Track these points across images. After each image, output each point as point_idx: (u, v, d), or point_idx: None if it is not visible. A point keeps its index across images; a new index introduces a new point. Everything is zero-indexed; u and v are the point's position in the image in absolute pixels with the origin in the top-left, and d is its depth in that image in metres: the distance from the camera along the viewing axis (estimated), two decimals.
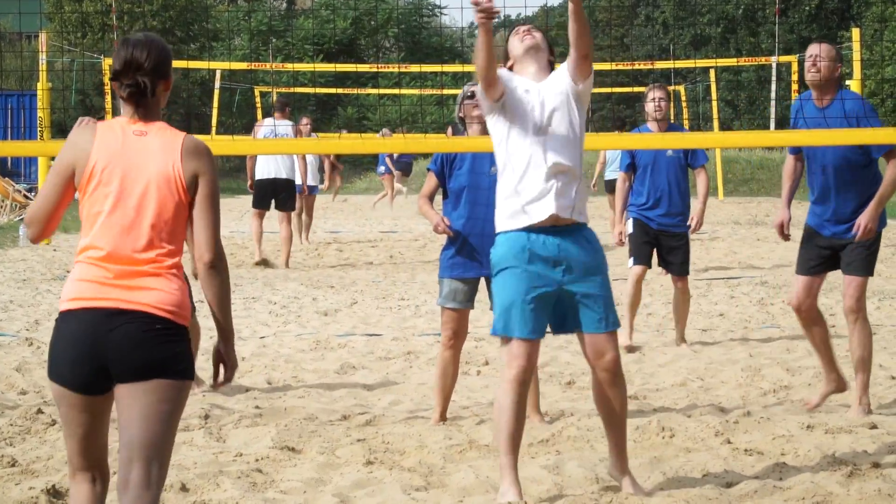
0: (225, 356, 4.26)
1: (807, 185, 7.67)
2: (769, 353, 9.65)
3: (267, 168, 16.25)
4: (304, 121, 18.94)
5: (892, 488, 5.66)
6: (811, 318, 7.53)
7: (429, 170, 7.39)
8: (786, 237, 7.61)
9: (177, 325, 4.09)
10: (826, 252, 7.45)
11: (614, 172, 18.52)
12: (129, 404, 4.04)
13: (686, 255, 9.91)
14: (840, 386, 7.62)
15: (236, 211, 26.98)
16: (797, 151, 7.71)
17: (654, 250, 10.01)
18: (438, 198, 7.42)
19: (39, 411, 7.31)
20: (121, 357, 4.02)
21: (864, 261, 7.36)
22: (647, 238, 9.91)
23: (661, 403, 7.92)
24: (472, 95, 7.20)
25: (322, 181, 18.87)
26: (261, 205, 16.38)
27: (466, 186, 7.16)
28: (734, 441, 6.73)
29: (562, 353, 9.87)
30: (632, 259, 10.00)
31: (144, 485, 4.04)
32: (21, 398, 8.15)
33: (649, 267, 10.04)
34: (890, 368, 8.93)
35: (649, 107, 9.80)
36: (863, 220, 7.22)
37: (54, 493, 5.68)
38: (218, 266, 4.18)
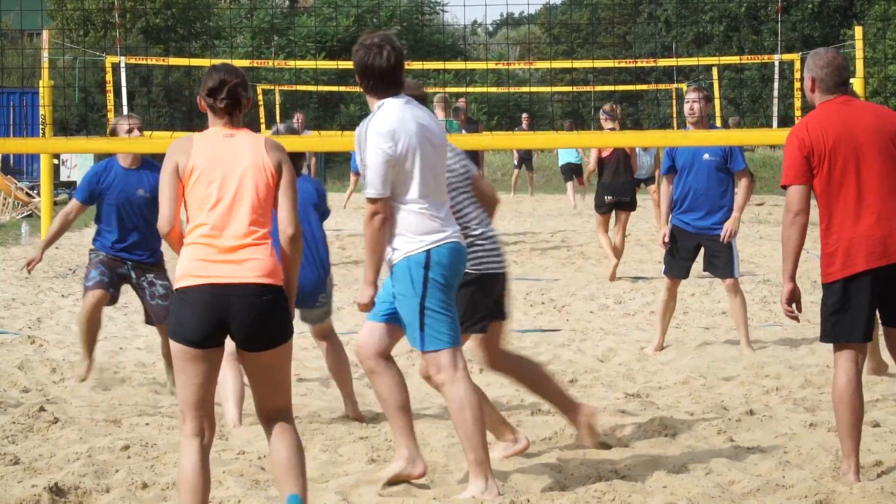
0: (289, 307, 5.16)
1: None
2: (771, 351, 9.64)
3: None
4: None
5: (895, 486, 5.66)
6: None
7: None
8: None
9: (279, 287, 4.94)
10: None
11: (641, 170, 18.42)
12: (254, 362, 5.14)
13: (729, 257, 9.66)
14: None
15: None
16: None
17: (692, 259, 9.79)
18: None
19: (42, 409, 7.32)
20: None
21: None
22: (683, 250, 9.74)
23: (664, 401, 7.91)
24: None
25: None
26: None
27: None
28: (736, 439, 6.73)
29: (564, 351, 9.86)
30: (663, 269, 9.97)
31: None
32: (23, 396, 8.15)
33: (683, 277, 9.91)
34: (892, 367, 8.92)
35: (685, 109, 9.74)
36: None
37: (56, 490, 5.68)
38: (297, 239, 4.98)
